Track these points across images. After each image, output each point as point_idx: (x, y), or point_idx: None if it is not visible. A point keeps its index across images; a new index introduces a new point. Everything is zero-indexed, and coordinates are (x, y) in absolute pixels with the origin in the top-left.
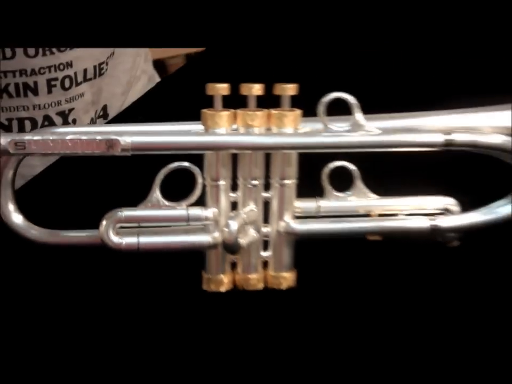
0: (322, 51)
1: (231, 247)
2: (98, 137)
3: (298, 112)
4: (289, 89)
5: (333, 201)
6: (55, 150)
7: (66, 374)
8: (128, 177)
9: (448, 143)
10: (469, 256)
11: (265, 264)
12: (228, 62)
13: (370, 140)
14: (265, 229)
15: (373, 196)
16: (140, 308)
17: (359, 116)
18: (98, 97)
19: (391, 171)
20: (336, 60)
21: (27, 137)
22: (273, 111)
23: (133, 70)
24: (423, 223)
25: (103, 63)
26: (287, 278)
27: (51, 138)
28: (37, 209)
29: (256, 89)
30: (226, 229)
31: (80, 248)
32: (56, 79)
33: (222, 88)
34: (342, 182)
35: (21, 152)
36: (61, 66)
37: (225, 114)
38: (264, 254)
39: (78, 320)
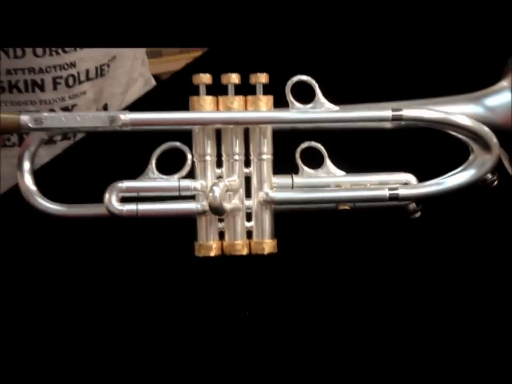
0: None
1: (216, 209)
2: (103, 114)
3: (270, 97)
4: (262, 77)
5: (306, 177)
6: (67, 125)
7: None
8: (128, 157)
9: (396, 118)
10: (428, 226)
11: (249, 234)
12: (219, 68)
13: (329, 115)
14: (248, 202)
15: (341, 173)
16: (143, 273)
17: (320, 95)
18: (100, 96)
19: (359, 152)
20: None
21: (44, 114)
22: (250, 97)
23: (131, 72)
24: (383, 192)
25: (104, 64)
26: (269, 244)
27: (63, 114)
28: (47, 192)
29: (234, 78)
30: (211, 193)
31: (88, 220)
32: (60, 77)
33: (205, 78)
34: (315, 161)
35: (39, 127)
36: (65, 66)
37: (209, 98)
38: (248, 224)
39: (80, 293)
